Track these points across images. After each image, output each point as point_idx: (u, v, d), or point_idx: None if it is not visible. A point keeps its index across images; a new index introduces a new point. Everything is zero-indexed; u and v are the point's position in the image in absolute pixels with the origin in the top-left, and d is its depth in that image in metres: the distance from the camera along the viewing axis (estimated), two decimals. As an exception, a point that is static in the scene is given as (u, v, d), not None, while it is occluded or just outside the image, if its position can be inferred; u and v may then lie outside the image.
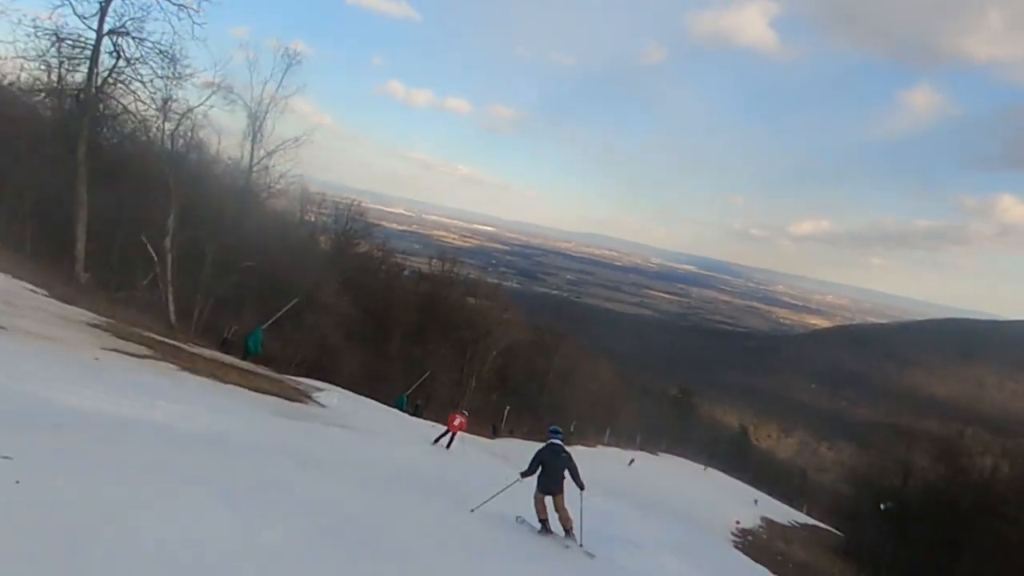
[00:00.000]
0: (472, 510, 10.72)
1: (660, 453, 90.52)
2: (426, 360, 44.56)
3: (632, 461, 70.36)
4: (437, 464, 15.27)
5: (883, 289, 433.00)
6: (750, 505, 75.28)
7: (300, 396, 17.66)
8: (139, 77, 22.38)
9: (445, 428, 22.66)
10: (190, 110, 24.34)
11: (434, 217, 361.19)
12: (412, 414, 40.65)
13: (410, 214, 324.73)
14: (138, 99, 22.88)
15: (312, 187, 49.40)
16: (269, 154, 31.42)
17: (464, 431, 23.33)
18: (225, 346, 25.00)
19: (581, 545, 10.79)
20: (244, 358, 25.58)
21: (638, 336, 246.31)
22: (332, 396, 18.79)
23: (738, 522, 67.12)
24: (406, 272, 63.73)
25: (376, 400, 32.39)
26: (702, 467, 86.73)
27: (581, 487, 10.90)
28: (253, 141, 30.78)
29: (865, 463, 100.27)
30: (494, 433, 57.15)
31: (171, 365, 14.01)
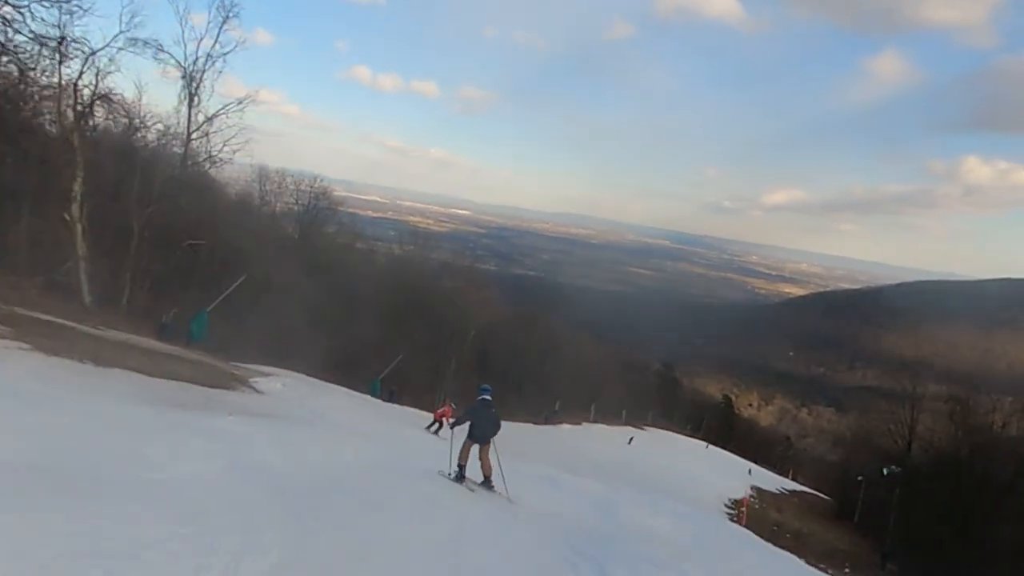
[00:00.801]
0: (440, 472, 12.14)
1: (646, 427, 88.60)
2: (400, 344, 41.49)
3: (632, 440, 66.63)
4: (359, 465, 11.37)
5: (855, 255, 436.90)
6: (744, 477, 73.66)
7: (231, 382, 14.67)
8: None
9: (432, 419, 24.20)
10: (93, 53, 20.64)
11: (409, 203, 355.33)
12: (387, 400, 37.75)
13: (384, 201, 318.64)
14: (17, 31, 18.93)
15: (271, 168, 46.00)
16: (209, 119, 27.86)
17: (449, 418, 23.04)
18: (164, 332, 21.75)
19: (498, 492, 12.01)
20: (188, 345, 22.42)
21: (616, 313, 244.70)
22: (275, 382, 15.81)
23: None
24: (375, 253, 60.42)
25: (345, 387, 29.43)
26: (704, 444, 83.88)
27: (497, 427, 12.05)
28: (190, 105, 27.21)
29: (855, 427, 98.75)
30: (476, 415, 54.48)
31: (24, 345, 10.88)
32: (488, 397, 12.13)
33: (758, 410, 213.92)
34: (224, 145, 28.34)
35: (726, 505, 52.52)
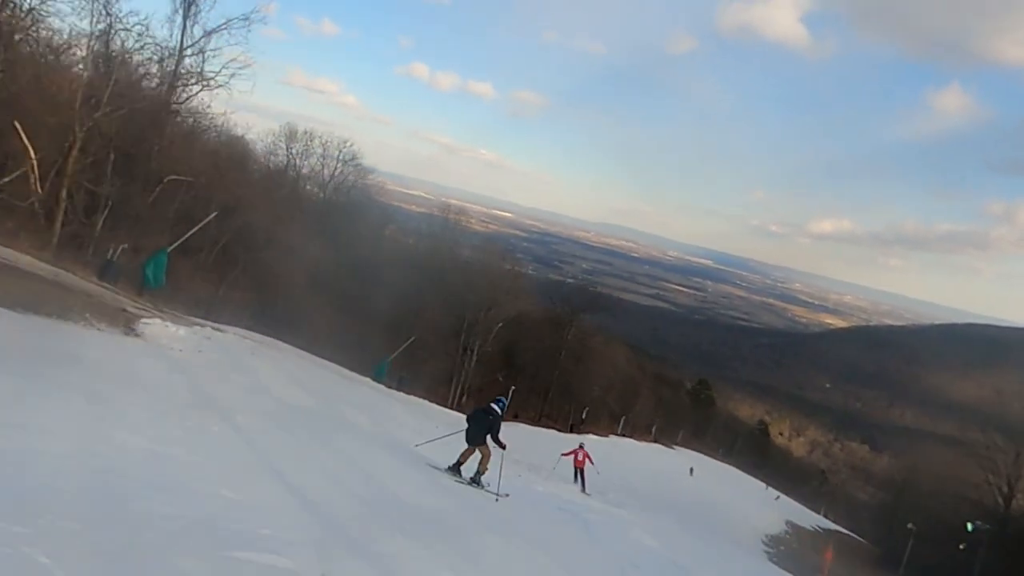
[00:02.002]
0: (416, 445, 12.73)
1: (676, 446, 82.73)
2: (416, 326, 36.62)
3: (692, 471, 60.60)
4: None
5: (901, 291, 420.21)
6: (771, 504, 67.93)
7: (93, 319, 10.02)
8: None
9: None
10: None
11: (454, 201, 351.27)
12: (394, 387, 32.92)
13: (430, 197, 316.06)
14: None
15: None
16: (208, 34, 23.35)
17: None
18: (107, 270, 17.21)
19: (480, 486, 11.91)
20: (141, 291, 17.80)
21: (652, 328, 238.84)
22: (174, 329, 11.10)
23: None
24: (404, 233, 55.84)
25: (335, 364, 24.63)
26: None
27: (501, 446, 12.04)
28: (185, 15, 22.75)
29: (905, 469, 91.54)
30: (496, 416, 49.43)
31: None
32: (494, 406, 12.28)
33: (789, 440, 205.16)
34: (225, 68, 23.89)
35: (764, 542, 46.99)
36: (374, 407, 14.85)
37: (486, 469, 11.94)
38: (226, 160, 29.08)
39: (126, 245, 17.91)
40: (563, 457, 23.71)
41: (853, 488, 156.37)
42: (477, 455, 12.02)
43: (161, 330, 10.73)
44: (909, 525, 56.32)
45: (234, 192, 27.35)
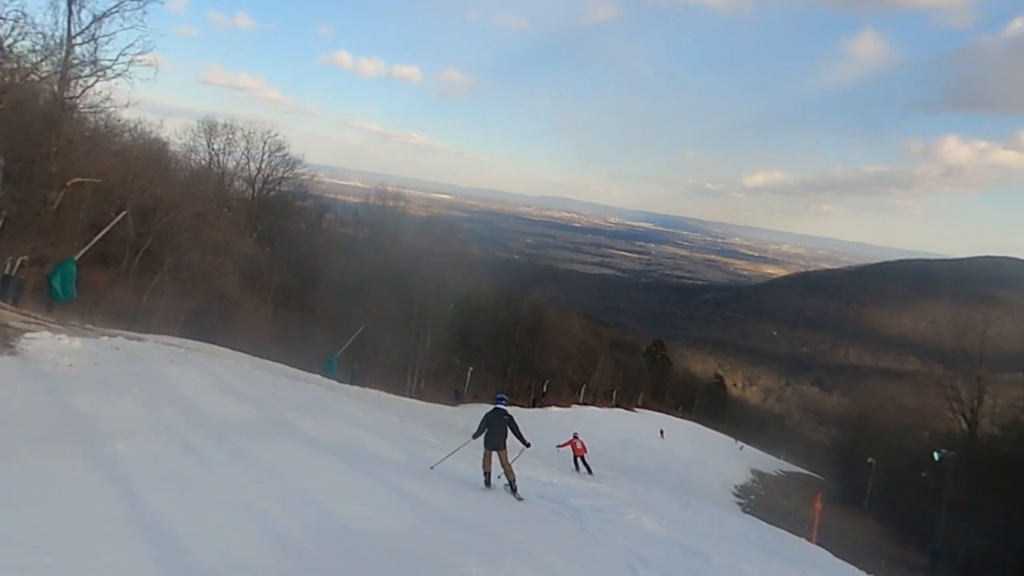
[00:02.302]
0: (432, 467, 11.89)
1: (637, 409, 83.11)
2: (364, 316, 34.98)
3: (663, 432, 60.69)
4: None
5: (836, 236, 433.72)
6: (736, 455, 68.89)
7: None
8: None
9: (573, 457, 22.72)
10: None
11: (391, 188, 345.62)
12: (349, 381, 31.36)
13: (365, 186, 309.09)
14: None
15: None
16: (98, 18, 20.90)
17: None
18: (5, 287, 15.22)
19: (520, 498, 11.54)
20: (49, 307, 15.87)
21: (602, 295, 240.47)
22: (67, 342, 9.41)
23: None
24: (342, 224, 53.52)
25: (280, 363, 22.99)
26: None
27: (526, 445, 11.98)
28: (69, 0, 20.28)
29: (859, 406, 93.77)
30: (457, 398, 48.10)
31: None
32: (502, 406, 12.14)
33: (743, 390, 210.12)
34: (122, 55, 21.49)
35: (734, 493, 47.21)
36: (320, 406, 13.15)
37: (514, 476, 11.79)
38: (140, 160, 26.80)
39: (26, 257, 15.85)
40: (559, 449, 23.55)
41: (807, 430, 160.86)
42: (497, 460, 11.79)
43: (49, 345, 9.07)
44: (869, 460, 57.53)
45: (151, 193, 25.22)
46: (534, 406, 55.05)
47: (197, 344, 17.74)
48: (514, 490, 11.70)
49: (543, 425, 46.81)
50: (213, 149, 42.55)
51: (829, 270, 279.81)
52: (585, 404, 70.10)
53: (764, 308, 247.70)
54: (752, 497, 46.14)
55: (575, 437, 23.75)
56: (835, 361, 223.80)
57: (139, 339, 13.03)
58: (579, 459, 22.87)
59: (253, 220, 37.02)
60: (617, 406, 79.48)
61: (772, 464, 73.97)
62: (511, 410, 12.29)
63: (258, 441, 9.10)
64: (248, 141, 40.96)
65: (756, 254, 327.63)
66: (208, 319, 24.27)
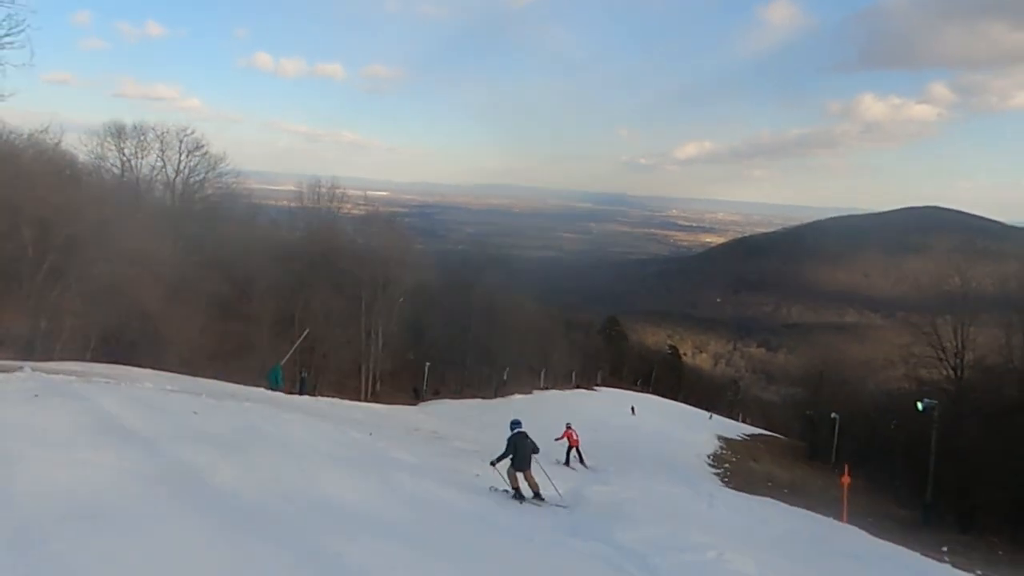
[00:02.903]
0: (477, 475, 13.80)
1: (597, 388, 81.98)
2: (308, 320, 32.10)
3: (633, 409, 59.63)
4: None
5: (768, 200, 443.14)
6: (706, 425, 68.43)
7: None
8: None
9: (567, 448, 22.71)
10: None
11: (324, 187, 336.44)
12: (299, 391, 28.54)
13: (300, 189, 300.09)
14: None
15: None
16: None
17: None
18: None
19: (543, 500, 12.92)
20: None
21: (547, 278, 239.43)
22: None
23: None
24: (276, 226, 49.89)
25: (221, 380, 20.21)
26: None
27: (536, 451, 13.10)
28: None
29: (808, 364, 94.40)
30: (416, 396, 45.59)
31: None
32: (522, 429, 13.17)
33: (693, 358, 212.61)
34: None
35: (709, 464, 46.10)
36: (254, 435, 9.67)
37: (539, 486, 12.93)
38: (34, 169, 23.42)
39: None
40: (556, 442, 23.02)
41: (757, 390, 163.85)
42: (523, 480, 12.82)
43: None
44: (832, 415, 57.30)
45: (50, 203, 21.92)
46: (496, 396, 52.96)
47: (108, 368, 14.93)
48: (542, 498, 12.86)
49: (509, 415, 44.74)
50: (124, 155, 38.76)
51: (764, 233, 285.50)
52: (546, 388, 68.40)
53: (706, 276, 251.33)
54: (726, 466, 45.03)
55: (569, 428, 23.44)
56: (778, 321, 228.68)
57: (6, 370, 10.13)
58: (574, 450, 22.75)
59: (176, 227, 33.59)
60: (577, 387, 78.13)
61: (734, 428, 73.69)
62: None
63: (107, 532, 5.33)
64: (163, 142, 37.29)
65: (694, 224, 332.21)
66: (126, 338, 21.23)
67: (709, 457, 49.67)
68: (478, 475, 13.39)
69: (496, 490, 12.96)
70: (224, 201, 41.17)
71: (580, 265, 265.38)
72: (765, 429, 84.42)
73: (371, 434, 14.77)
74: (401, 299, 42.11)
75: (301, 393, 27.95)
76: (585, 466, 22.68)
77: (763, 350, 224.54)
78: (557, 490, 13.39)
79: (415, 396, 44.22)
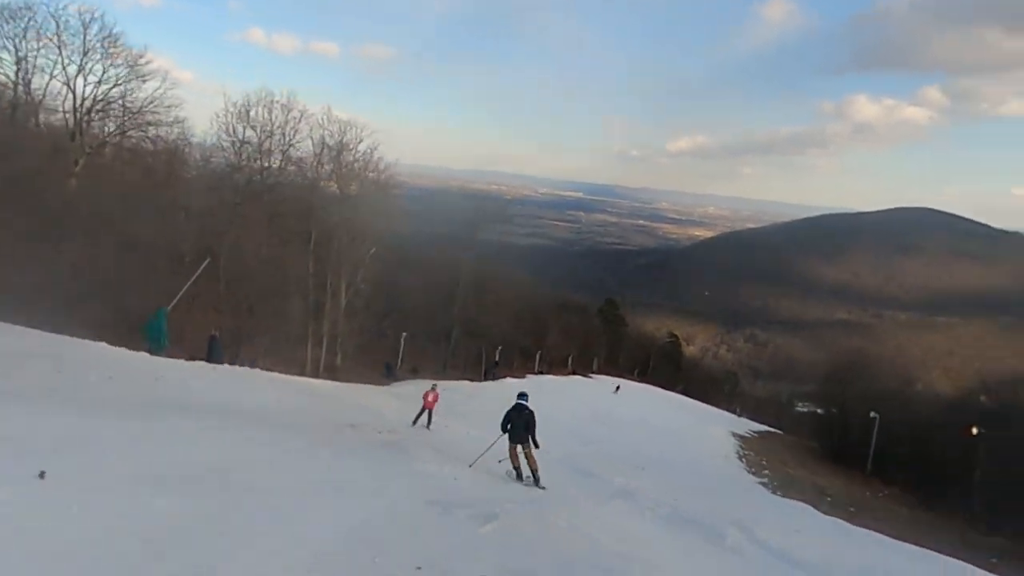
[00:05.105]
0: (470, 465, 12.23)
1: (593, 375, 73.14)
2: (225, 250, 22.42)
3: (618, 388, 53.22)
4: None
5: (758, 196, 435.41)
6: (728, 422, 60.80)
7: None
8: None
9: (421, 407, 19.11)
10: None
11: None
12: (207, 357, 19.27)
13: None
14: None
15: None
16: None
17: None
18: None
19: (543, 487, 12.11)
20: None
21: (534, 266, 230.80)
22: None
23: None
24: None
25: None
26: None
27: (536, 445, 12.36)
28: None
29: (816, 359, 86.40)
30: (389, 373, 36.15)
31: None
32: (523, 402, 12.62)
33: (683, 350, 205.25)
34: None
35: (748, 472, 37.53)
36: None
37: (537, 468, 12.31)
38: None
39: None
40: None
41: (746, 385, 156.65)
42: (522, 455, 12.34)
43: None
44: (872, 414, 48.65)
45: None
46: (486, 378, 43.74)
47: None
48: (536, 480, 12.29)
49: (506, 403, 35.75)
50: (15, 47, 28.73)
51: (753, 229, 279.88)
52: (541, 373, 59.54)
53: (694, 269, 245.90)
54: (767, 473, 36.48)
55: (435, 389, 19.79)
56: (766, 316, 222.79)
57: None
58: (428, 412, 19.36)
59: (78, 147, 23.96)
60: (574, 373, 69.37)
61: (739, 424, 65.30)
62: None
63: None
64: (58, 25, 27.24)
65: (683, 217, 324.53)
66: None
67: (738, 457, 41.33)
68: (470, 466, 12.13)
69: (510, 475, 12.44)
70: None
71: (568, 253, 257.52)
72: (768, 425, 75.89)
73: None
74: (372, 249, 32.62)
75: (210, 360, 18.56)
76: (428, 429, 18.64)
77: (750, 344, 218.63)
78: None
79: (387, 374, 34.83)
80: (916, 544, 19.18)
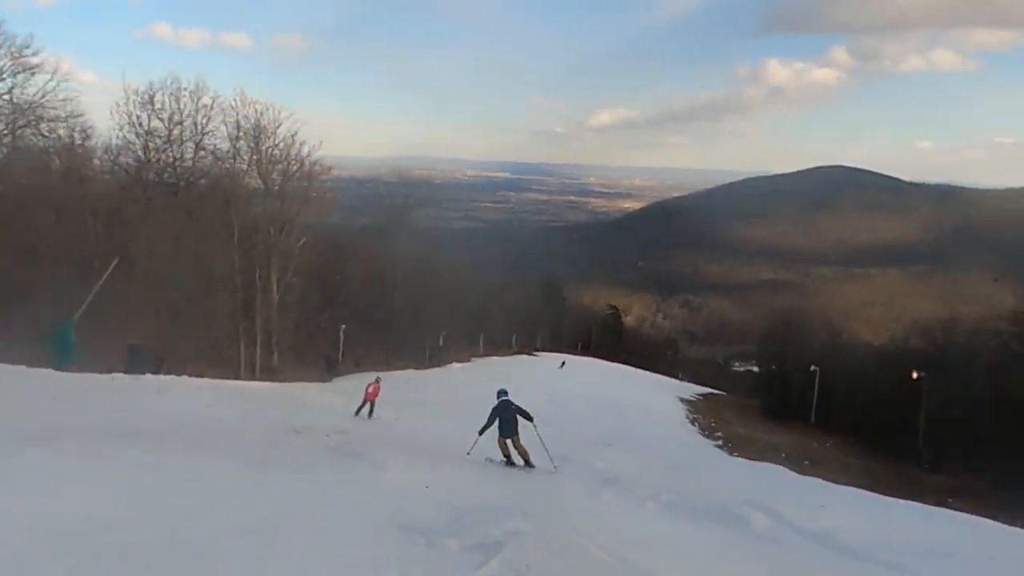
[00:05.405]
0: (468, 453, 12.97)
1: (537, 353, 72.76)
2: (141, 252, 20.51)
3: (563, 364, 53.74)
4: None
5: (682, 165, 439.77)
6: (669, 388, 61.60)
7: None
8: None
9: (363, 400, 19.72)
10: None
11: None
12: (125, 367, 17.48)
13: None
14: None
15: None
16: None
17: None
18: None
19: (556, 467, 13.33)
20: None
21: (470, 249, 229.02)
22: None
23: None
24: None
25: None
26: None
27: (529, 419, 13.11)
28: None
29: (745, 320, 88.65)
30: (330, 368, 34.48)
31: None
32: (507, 397, 13.37)
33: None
34: None
35: (704, 435, 37.89)
36: None
37: (528, 453, 13.05)
38: None
39: None
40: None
41: (684, 349, 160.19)
42: (512, 447, 13.04)
43: None
44: (812, 367, 49.95)
45: None
46: (432, 364, 42.54)
47: None
48: (532, 465, 13.09)
49: (452, 388, 34.66)
50: None
51: (679, 197, 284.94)
52: (486, 355, 58.77)
53: (626, 242, 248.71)
54: (720, 435, 36.72)
55: (378, 382, 20.41)
56: (697, 282, 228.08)
57: None
58: (370, 404, 19.91)
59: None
60: (518, 352, 68.90)
61: (683, 389, 66.26)
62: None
63: None
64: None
65: (611, 191, 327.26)
66: None
67: (692, 422, 41.68)
68: (468, 454, 12.74)
69: (492, 461, 13.14)
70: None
71: (502, 235, 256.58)
72: (709, 387, 77.53)
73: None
74: (302, 240, 30.80)
75: (131, 371, 16.81)
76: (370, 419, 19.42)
77: (685, 310, 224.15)
78: (549, 456, 13.35)
79: (327, 369, 33.18)
80: (883, 493, 18.96)
